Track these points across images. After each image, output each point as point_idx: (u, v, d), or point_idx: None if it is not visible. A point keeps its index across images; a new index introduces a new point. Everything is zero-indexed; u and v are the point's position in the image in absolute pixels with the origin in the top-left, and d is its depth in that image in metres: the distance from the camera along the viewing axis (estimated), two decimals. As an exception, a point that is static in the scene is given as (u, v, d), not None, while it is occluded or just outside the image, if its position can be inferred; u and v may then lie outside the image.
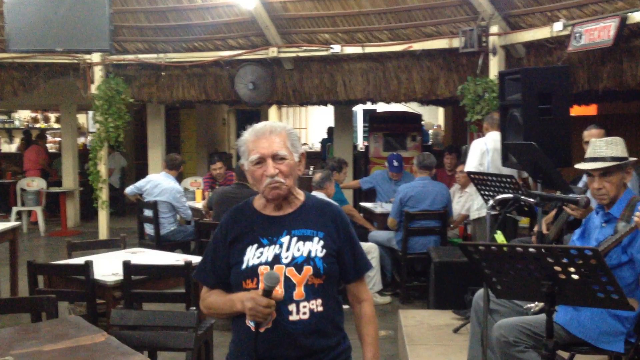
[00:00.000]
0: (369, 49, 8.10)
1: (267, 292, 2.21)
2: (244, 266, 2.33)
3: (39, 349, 2.72)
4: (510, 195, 3.63)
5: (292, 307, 2.26)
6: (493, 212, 3.80)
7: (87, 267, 4.29)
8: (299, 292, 2.28)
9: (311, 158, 12.23)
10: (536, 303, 3.47)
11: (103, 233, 8.98)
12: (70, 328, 3.04)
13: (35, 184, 11.29)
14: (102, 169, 8.91)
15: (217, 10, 8.60)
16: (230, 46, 8.78)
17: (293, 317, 2.26)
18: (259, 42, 8.61)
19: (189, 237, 7.33)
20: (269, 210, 2.41)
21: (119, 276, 4.31)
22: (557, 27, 6.44)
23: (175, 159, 7.61)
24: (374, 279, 6.50)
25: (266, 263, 2.30)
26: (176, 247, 7.24)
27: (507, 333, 3.32)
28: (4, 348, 2.71)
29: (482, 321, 3.70)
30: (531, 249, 2.54)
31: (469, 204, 6.67)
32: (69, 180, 11.72)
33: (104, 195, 8.93)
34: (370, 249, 6.54)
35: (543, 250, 2.53)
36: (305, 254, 2.32)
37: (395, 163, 7.96)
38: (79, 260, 4.65)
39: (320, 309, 2.30)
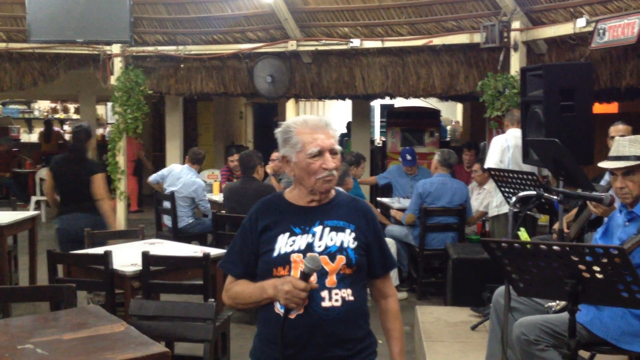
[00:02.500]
0: (388, 44, 8.04)
1: (306, 276, 2.19)
2: (275, 254, 2.31)
3: (58, 337, 2.72)
4: (533, 193, 3.58)
5: (324, 294, 2.26)
6: (514, 210, 3.77)
7: (107, 257, 4.32)
8: (331, 279, 2.28)
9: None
10: (557, 302, 3.43)
11: (120, 224, 9.02)
12: (90, 317, 3.04)
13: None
14: (121, 160, 8.94)
15: (236, 3, 8.59)
16: (249, 39, 8.77)
17: (325, 304, 2.25)
18: (278, 35, 8.60)
19: (207, 229, 7.36)
20: (302, 202, 2.40)
21: (138, 266, 4.33)
22: (580, 23, 6.35)
23: (198, 154, 7.68)
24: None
25: (299, 251, 2.29)
26: (193, 239, 7.26)
27: (528, 331, 3.29)
28: (24, 336, 2.72)
29: (502, 319, 3.67)
30: (555, 247, 2.50)
31: (487, 200, 6.63)
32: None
33: (122, 186, 8.97)
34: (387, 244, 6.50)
35: (567, 248, 2.50)
36: (338, 244, 2.32)
37: (409, 157, 7.95)
38: (99, 250, 4.68)
39: (351, 298, 2.29)
